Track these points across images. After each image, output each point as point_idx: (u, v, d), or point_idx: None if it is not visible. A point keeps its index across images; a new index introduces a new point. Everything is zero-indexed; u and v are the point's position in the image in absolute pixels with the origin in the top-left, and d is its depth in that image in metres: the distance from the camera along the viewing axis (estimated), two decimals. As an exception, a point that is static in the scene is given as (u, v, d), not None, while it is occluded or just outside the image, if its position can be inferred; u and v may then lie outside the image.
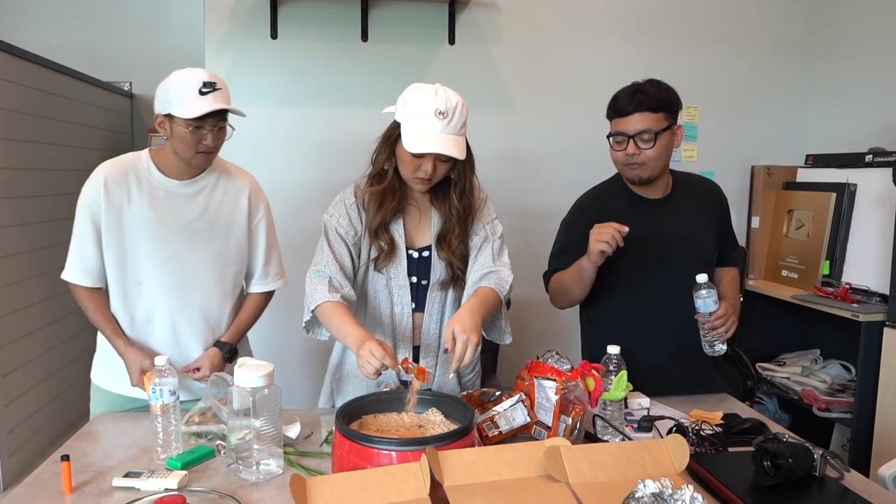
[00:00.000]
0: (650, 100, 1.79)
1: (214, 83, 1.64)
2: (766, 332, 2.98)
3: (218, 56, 2.72)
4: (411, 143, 1.51)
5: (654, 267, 1.91)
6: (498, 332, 1.74)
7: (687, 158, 3.02)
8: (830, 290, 2.56)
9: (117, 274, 1.74)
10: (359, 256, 1.71)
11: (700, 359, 1.87)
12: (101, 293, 1.76)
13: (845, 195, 2.68)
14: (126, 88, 4.54)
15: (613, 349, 1.61)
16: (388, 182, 1.64)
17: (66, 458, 1.27)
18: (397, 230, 1.68)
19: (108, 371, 1.81)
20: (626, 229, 1.68)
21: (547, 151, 2.93)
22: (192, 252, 1.76)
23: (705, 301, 1.74)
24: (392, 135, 1.61)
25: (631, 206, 1.94)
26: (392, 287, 1.69)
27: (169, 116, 1.65)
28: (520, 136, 2.91)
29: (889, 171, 2.48)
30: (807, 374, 2.77)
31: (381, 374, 1.44)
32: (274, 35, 2.73)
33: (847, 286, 2.51)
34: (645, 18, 2.95)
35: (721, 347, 1.79)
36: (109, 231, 1.71)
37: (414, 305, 1.71)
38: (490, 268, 1.69)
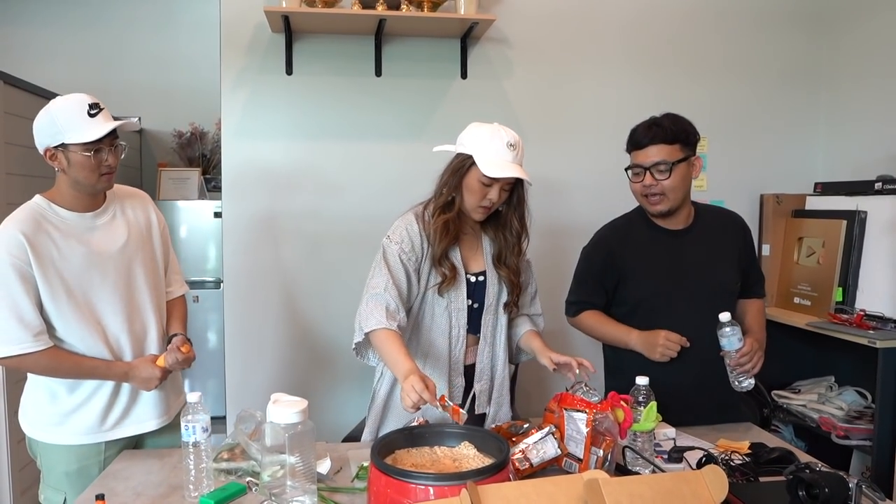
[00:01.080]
0: (665, 132, 1.85)
1: (98, 103, 1.64)
2: (781, 359, 2.97)
3: (234, 91, 2.76)
4: (491, 169, 1.68)
5: (676, 297, 1.92)
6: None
7: (697, 188, 3.04)
8: (845, 317, 2.57)
9: (76, 323, 1.66)
10: (418, 281, 1.81)
11: (724, 388, 1.88)
12: (57, 348, 1.65)
13: (856, 222, 2.70)
14: (135, 121, 4.60)
15: (643, 380, 1.62)
16: (454, 213, 1.77)
17: (100, 497, 1.27)
18: (456, 256, 1.81)
19: (68, 424, 1.69)
20: (686, 343, 1.83)
21: (558, 181, 2.96)
22: (135, 276, 1.78)
23: (730, 339, 1.76)
24: (462, 167, 1.75)
25: (652, 237, 1.98)
26: (452, 310, 1.82)
27: (62, 147, 1.61)
28: (531, 167, 2.93)
29: (899, 198, 2.52)
30: (823, 402, 2.77)
31: (419, 408, 1.49)
32: (289, 71, 2.78)
33: (862, 313, 2.52)
34: (653, 50, 3.01)
35: (749, 383, 1.80)
36: (51, 284, 1.62)
37: (468, 328, 1.84)
38: (528, 310, 1.99)
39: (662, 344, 1.82)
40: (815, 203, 2.99)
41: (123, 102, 4.45)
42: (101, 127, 1.61)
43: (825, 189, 2.94)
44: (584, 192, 2.96)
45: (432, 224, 1.78)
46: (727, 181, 3.07)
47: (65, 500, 1.68)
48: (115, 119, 1.68)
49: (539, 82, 2.94)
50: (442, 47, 2.85)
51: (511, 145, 1.71)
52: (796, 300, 2.93)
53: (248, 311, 2.81)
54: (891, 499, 1.41)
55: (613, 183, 2.89)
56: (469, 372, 1.88)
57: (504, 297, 1.89)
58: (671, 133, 1.86)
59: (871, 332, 2.42)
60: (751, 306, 2.06)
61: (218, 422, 1.82)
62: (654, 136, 1.86)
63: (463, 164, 1.75)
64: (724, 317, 1.78)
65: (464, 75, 2.87)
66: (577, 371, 1.69)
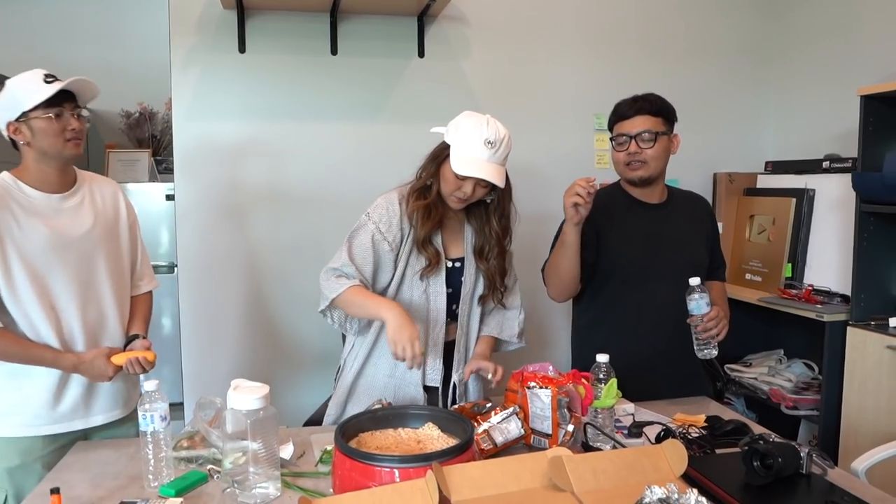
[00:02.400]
0: (650, 105, 1.95)
1: (54, 75, 1.61)
2: (733, 334, 3.00)
3: (184, 70, 2.68)
4: (459, 166, 1.65)
5: (651, 269, 1.98)
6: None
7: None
8: (794, 291, 2.65)
9: (30, 304, 1.60)
10: (395, 263, 1.79)
11: (689, 360, 1.93)
12: (5, 329, 1.59)
13: (804, 200, 2.78)
14: (81, 103, 4.43)
15: (602, 357, 1.64)
16: (433, 198, 1.75)
17: (55, 491, 1.23)
18: (438, 241, 1.80)
19: (9, 415, 1.62)
20: (593, 179, 1.77)
21: (518, 164, 2.95)
22: (97, 264, 1.72)
23: (698, 303, 1.80)
24: (440, 155, 1.74)
25: (629, 208, 2.03)
26: (430, 294, 1.81)
27: (23, 117, 1.58)
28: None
29: (846, 176, 2.60)
30: (773, 374, 2.86)
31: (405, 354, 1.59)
32: (242, 49, 2.70)
33: (810, 288, 2.61)
34: (609, 30, 3.02)
35: (712, 351, 1.85)
36: (7, 261, 1.57)
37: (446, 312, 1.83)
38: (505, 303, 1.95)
39: (565, 197, 1.80)
40: (766, 181, 3.06)
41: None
42: (56, 86, 1.57)
43: (775, 168, 3.02)
44: (544, 175, 2.96)
45: (411, 207, 1.77)
46: (682, 160, 3.03)
47: (5, 499, 1.62)
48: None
49: (498, 62, 2.93)
50: (399, 25, 2.81)
51: (489, 143, 1.65)
52: (748, 276, 3.01)
53: (205, 295, 2.76)
54: (837, 465, 1.47)
55: (574, 164, 2.94)
56: (448, 351, 1.87)
57: (480, 290, 1.88)
58: (656, 106, 1.95)
59: (819, 306, 2.50)
60: (714, 286, 2.12)
61: (175, 408, 1.78)
62: (641, 108, 1.94)
63: (441, 153, 1.75)
64: (694, 281, 1.81)
65: (421, 54, 2.84)
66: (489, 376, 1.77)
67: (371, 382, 1.84)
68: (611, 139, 2.02)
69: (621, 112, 1.97)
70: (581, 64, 2.99)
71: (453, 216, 1.85)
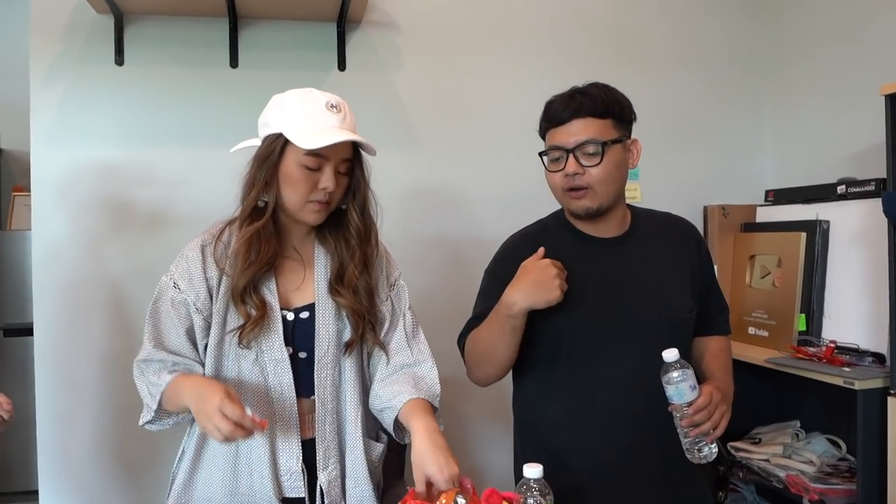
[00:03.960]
0: (594, 102, 1.36)
1: None
2: (736, 402, 2.46)
3: (46, 85, 2.18)
4: (311, 139, 1.20)
5: (609, 330, 1.40)
6: None
7: (630, 199, 2.55)
8: (812, 350, 2.08)
9: None
10: (207, 330, 1.28)
11: (674, 454, 1.35)
12: None
13: (817, 234, 2.24)
14: (-9, 142, 3.98)
15: (532, 471, 1.07)
16: (265, 221, 1.27)
17: None
18: (269, 287, 1.30)
19: None
20: (542, 252, 1.28)
21: (456, 192, 2.44)
22: None
23: (678, 387, 1.24)
24: (271, 153, 1.25)
25: (576, 248, 1.45)
26: (265, 363, 1.30)
27: None
28: (427, 175, 2.42)
29: (869, 202, 2.07)
30: (789, 454, 2.27)
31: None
32: (120, 60, 2.22)
33: (832, 345, 2.04)
34: (570, 37, 2.55)
35: (710, 451, 1.28)
36: None
37: (296, 387, 1.31)
38: (407, 359, 1.39)
39: (544, 273, 1.32)
40: (768, 214, 2.53)
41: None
42: None
43: (778, 197, 2.49)
44: (487, 205, 2.45)
45: (240, 240, 1.26)
46: (665, 191, 2.59)
47: None
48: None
49: (435, 74, 2.44)
50: (314, 33, 2.33)
51: (333, 106, 1.26)
52: (751, 331, 2.44)
53: (65, 362, 2.18)
54: None
55: (524, 193, 2.39)
56: (309, 452, 1.31)
57: (346, 336, 1.35)
58: (602, 104, 1.38)
59: (847, 369, 1.93)
60: (710, 344, 1.56)
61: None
62: (580, 108, 1.37)
63: (273, 149, 1.25)
64: (669, 355, 1.27)
65: (342, 66, 2.35)
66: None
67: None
68: (541, 154, 1.47)
69: (554, 114, 1.41)
70: (534, 76, 2.48)
71: (293, 252, 1.36)
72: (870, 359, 1.99)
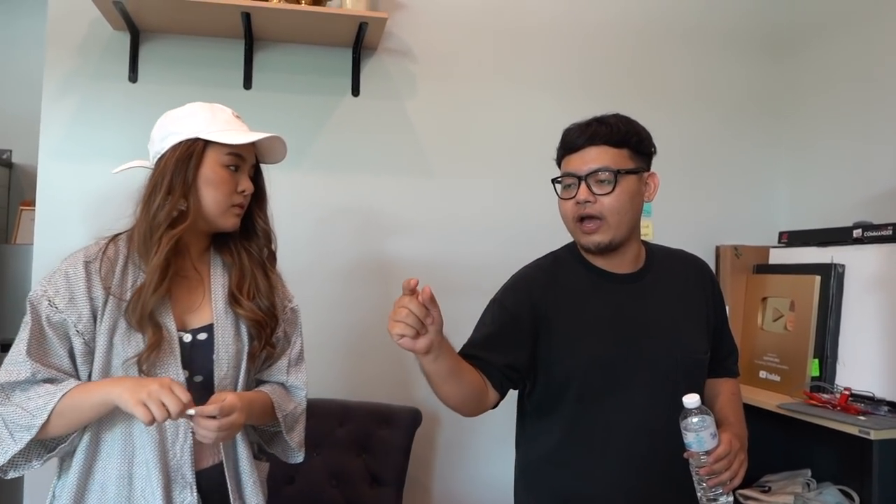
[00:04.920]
0: (610, 130, 1.34)
1: None
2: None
3: (58, 100, 2.18)
4: (236, 137, 1.26)
5: (623, 370, 1.35)
6: (282, 446, 1.41)
7: (642, 236, 2.52)
8: (825, 397, 2.02)
9: None
10: (90, 357, 1.19)
11: (686, 502, 1.29)
12: None
13: (832, 278, 2.19)
14: (5, 157, 3.97)
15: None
16: (187, 227, 1.24)
17: None
18: (164, 308, 1.24)
19: None
20: (415, 282, 1.09)
21: (469, 220, 2.41)
22: None
23: (699, 435, 1.19)
24: (190, 155, 1.24)
25: (589, 283, 1.40)
26: None
27: None
28: (438, 203, 2.39)
29: (886, 246, 2.03)
30: (800, 505, 2.19)
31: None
32: (134, 77, 2.21)
33: (847, 392, 1.98)
34: (586, 72, 2.54)
35: (727, 501, 1.23)
36: None
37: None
38: (283, 381, 1.41)
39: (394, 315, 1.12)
40: (781, 256, 2.48)
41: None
42: None
43: (792, 239, 2.45)
44: (497, 236, 2.42)
45: (153, 258, 1.20)
46: (677, 229, 2.55)
47: None
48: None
49: (449, 104, 2.42)
50: (330, 58, 2.33)
51: (238, 116, 1.36)
52: (762, 375, 2.38)
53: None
54: None
55: (535, 226, 2.37)
56: (207, 481, 1.26)
57: (245, 352, 1.31)
58: (619, 133, 1.35)
59: (861, 417, 1.87)
60: (723, 387, 1.51)
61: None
62: (595, 135, 1.35)
63: (192, 152, 1.25)
64: (691, 401, 1.22)
65: (356, 92, 2.34)
66: None
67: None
68: (553, 182, 1.43)
69: (569, 140, 1.39)
70: (555, 108, 2.46)
71: (190, 273, 1.31)
72: (886, 408, 1.92)
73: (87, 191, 2.17)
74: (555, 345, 1.36)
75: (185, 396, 1.09)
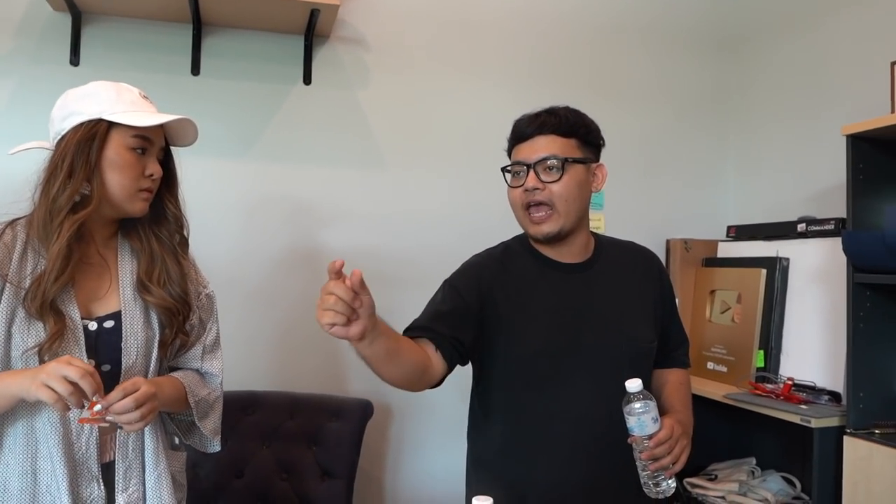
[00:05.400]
0: (559, 121, 1.36)
1: None
2: (693, 437, 2.43)
3: (-6, 83, 2.08)
4: (141, 118, 1.20)
5: (569, 359, 1.35)
6: (199, 437, 1.39)
7: (594, 229, 2.54)
8: (769, 387, 2.07)
9: None
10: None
11: (631, 490, 1.30)
12: None
13: (777, 272, 2.25)
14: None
15: (481, 502, 1.01)
16: (90, 211, 1.19)
17: None
18: (66, 295, 1.19)
19: None
20: (340, 263, 1.02)
21: (423, 213, 2.39)
22: None
23: (640, 419, 1.21)
24: (93, 136, 1.18)
25: (536, 272, 1.41)
26: None
27: None
28: (391, 195, 2.37)
29: (828, 241, 2.09)
30: (744, 492, 2.24)
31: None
32: (75, 60, 2.13)
33: (789, 382, 2.03)
34: (539, 65, 2.54)
35: (668, 486, 1.24)
36: None
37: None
38: (197, 367, 1.39)
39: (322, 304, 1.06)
40: (729, 250, 2.54)
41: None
42: None
43: (739, 233, 2.50)
44: (451, 228, 2.40)
45: (53, 244, 1.15)
46: (628, 223, 2.58)
47: None
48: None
49: (402, 94, 2.40)
50: (281, 45, 2.28)
51: (145, 97, 1.28)
52: (710, 366, 2.43)
53: None
54: None
55: (488, 217, 2.36)
56: (110, 474, 1.22)
57: (156, 346, 1.28)
58: (567, 123, 1.37)
59: (803, 406, 1.92)
60: (670, 377, 1.53)
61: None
62: (544, 125, 1.37)
63: (94, 133, 1.19)
64: (633, 385, 1.24)
65: (307, 81, 2.30)
66: None
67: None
68: (503, 170, 1.45)
69: (518, 131, 1.41)
70: (509, 100, 2.45)
71: (95, 259, 1.26)
72: (826, 397, 1.98)
73: (24, 180, 2.08)
74: (500, 331, 1.36)
75: (86, 366, 1.05)
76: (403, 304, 2.29)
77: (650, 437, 1.22)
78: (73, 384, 1.03)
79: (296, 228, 2.27)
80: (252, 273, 2.23)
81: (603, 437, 1.32)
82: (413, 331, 1.32)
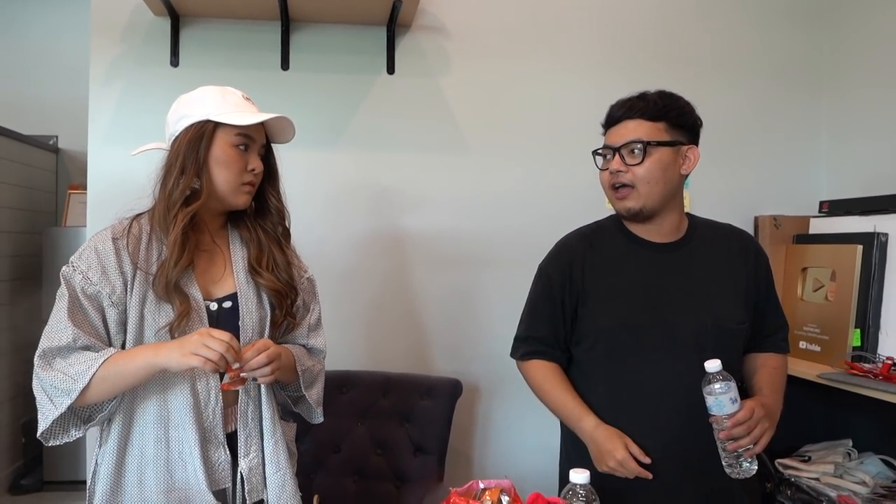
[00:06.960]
0: (647, 105, 1.40)
1: None
2: (785, 418, 2.38)
3: (105, 86, 2.25)
4: (243, 118, 1.31)
5: (652, 334, 1.40)
6: (306, 407, 1.51)
7: (678, 208, 2.52)
8: (867, 366, 2.01)
9: None
10: (123, 327, 1.27)
11: (718, 466, 1.33)
12: None
13: (875, 247, 2.16)
14: (51, 143, 4.11)
15: (579, 477, 1.06)
16: (201, 204, 1.31)
17: None
18: (189, 280, 1.32)
19: None
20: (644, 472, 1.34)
21: (506, 195, 2.43)
22: None
23: (718, 399, 1.22)
24: (201, 136, 1.30)
25: (626, 250, 1.46)
26: None
27: None
28: (475, 181, 2.41)
29: (930, 214, 1.99)
30: (840, 474, 2.19)
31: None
32: (175, 62, 2.27)
33: (889, 361, 1.97)
34: (623, 44, 2.51)
35: (748, 467, 1.25)
36: None
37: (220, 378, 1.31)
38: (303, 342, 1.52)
39: (617, 461, 1.33)
40: (822, 226, 2.45)
41: (40, 120, 4.00)
42: None
43: (833, 208, 2.41)
44: (535, 209, 2.43)
45: (171, 233, 1.28)
46: (715, 200, 2.54)
47: None
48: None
49: (483, 80, 2.43)
50: (364, 37, 2.35)
51: (247, 98, 1.39)
52: (802, 345, 2.37)
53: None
54: None
55: (571, 198, 2.39)
56: (233, 442, 1.34)
57: (268, 322, 1.40)
58: (655, 107, 1.41)
59: (904, 386, 1.86)
60: (766, 362, 1.53)
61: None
62: (632, 108, 1.42)
63: (202, 133, 1.31)
64: (712, 365, 1.26)
65: (391, 70, 2.36)
66: None
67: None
68: (594, 154, 1.50)
69: (609, 115, 1.47)
70: (585, 84, 2.46)
71: (210, 247, 1.39)
72: (929, 377, 1.91)
73: (135, 173, 2.24)
74: (585, 304, 1.45)
75: (225, 335, 1.18)
76: (485, 284, 2.37)
77: (729, 416, 1.24)
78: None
79: (382, 213, 2.36)
80: (343, 258, 2.33)
81: (681, 412, 1.34)
82: (527, 344, 1.53)
